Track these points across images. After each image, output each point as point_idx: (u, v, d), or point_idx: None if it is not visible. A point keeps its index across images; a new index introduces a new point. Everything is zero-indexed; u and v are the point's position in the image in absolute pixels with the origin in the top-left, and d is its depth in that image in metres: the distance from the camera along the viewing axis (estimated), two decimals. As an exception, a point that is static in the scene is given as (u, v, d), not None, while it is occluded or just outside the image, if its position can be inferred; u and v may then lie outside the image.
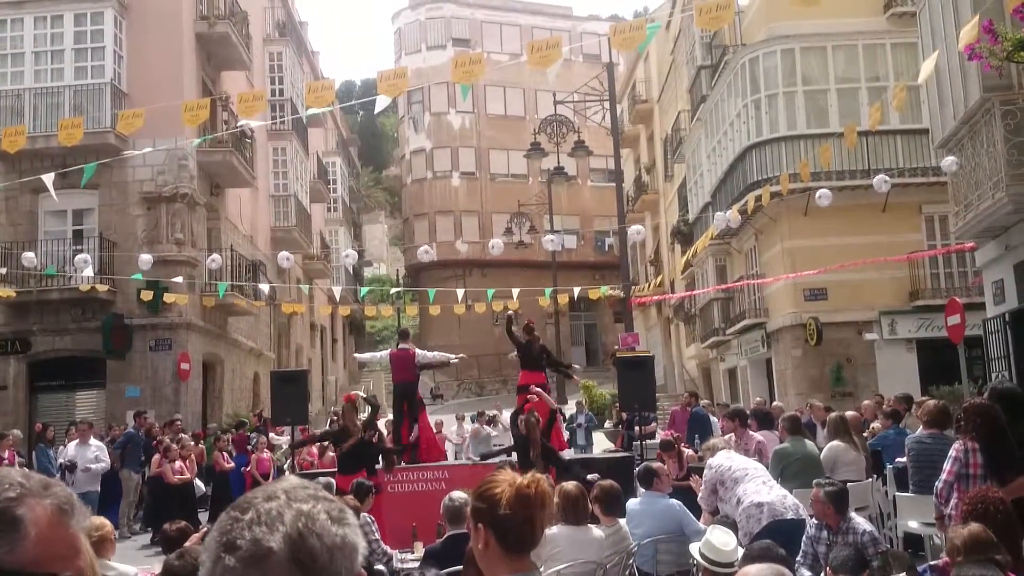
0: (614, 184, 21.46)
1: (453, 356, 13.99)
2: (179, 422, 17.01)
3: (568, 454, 12.82)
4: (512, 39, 43.21)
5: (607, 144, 23.16)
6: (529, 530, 2.28)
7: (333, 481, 8.43)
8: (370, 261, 56.28)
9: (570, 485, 6.02)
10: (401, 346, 12.76)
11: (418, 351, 12.91)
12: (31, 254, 15.95)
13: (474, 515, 2.33)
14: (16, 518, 1.20)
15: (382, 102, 9.71)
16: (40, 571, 1.21)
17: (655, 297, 29.56)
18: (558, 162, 22.15)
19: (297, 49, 30.88)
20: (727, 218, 15.83)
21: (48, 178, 11.68)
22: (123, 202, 20.26)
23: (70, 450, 13.86)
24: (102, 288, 18.87)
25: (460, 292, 20.21)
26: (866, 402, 13.49)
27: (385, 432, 12.90)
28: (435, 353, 13.51)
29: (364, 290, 27.11)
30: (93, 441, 14.07)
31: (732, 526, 5.80)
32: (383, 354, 13.88)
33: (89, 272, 17.11)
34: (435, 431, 16.41)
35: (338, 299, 24.10)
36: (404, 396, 12.42)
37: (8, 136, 10.00)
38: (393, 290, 28.64)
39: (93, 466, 13.55)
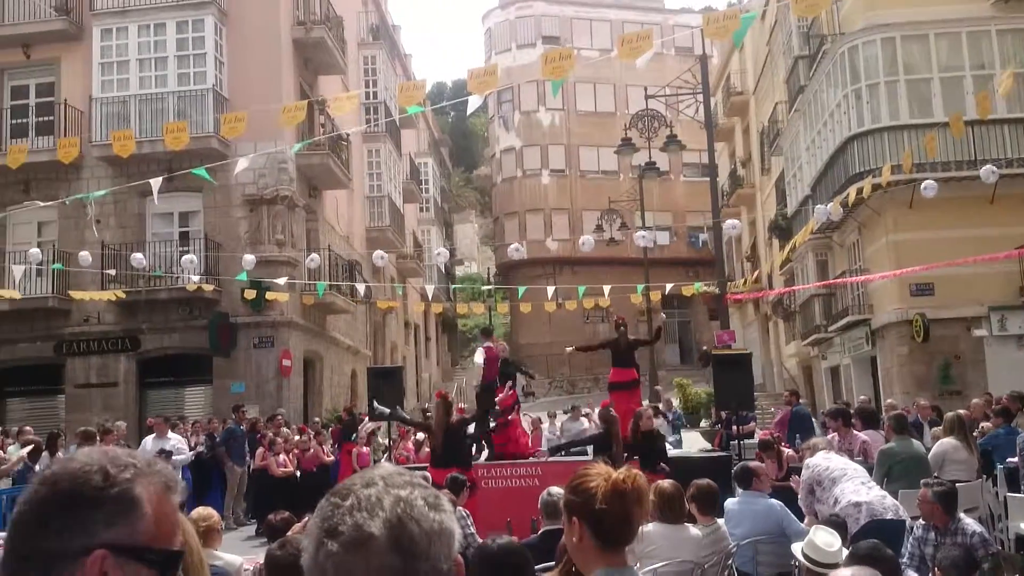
0: (708, 178, 21.09)
1: (532, 375, 14.12)
2: (281, 417, 17.46)
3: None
4: (602, 35, 42.98)
5: (701, 138, 22.76)
6: (625, 526, 2.26)
7: (428, 474, 8.53)
8: (461, 260, 56.79)
9: (666, 483, 5.95)
10: (485, 344, 12.96)
11: (503, 352, 13.15)
12: (140, 255, 16.62)
13: (568, 508, 2.32)
14: (135, 498, 1.25)
15: (473, 102, 9.76)
16: (156, 547, 1.26)
17: (752, 294, 28.97)
18: (649, 157, 21.86)
19: (390, 52, 31.38)
20: (828, 211, 15.40)
21: (155, 182, 12.12)
22: (226, 204, 20.93)
23: (147, 445, 13.84)
24: (208, 288, 19.53)
25: (550, 289, 20.23)
26: (975, 401, 12.94)
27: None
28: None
29: (455, 287, 27.37)
30: (172, 435, 14.17)
31: (838, 526, 5.63)
32: (479, 361, 13.98)
33: (196, 273, 17.76)
34: (532, 428, 16.56)
35: (430, 297, 24.40)
36: (489, 392, 12.62)
37: (118, 141, 10.44)
38: (484, 288, 28.82)
39: (176, 457, 13.80)
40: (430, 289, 23.37)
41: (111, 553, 1.22)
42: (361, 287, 22.69)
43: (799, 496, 7.32)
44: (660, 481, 6.11)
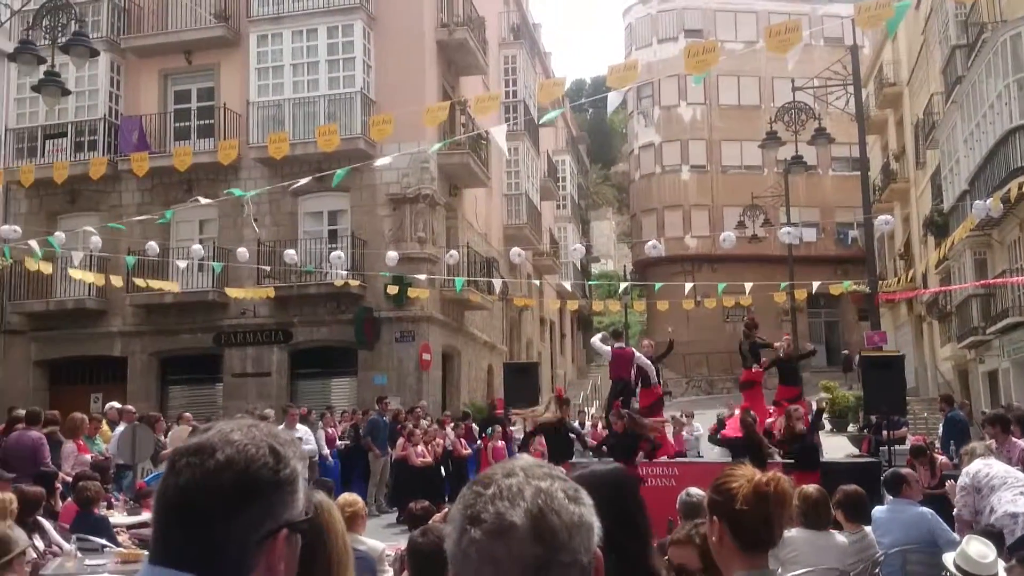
0: (859, 173, 20.27)
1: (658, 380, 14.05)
2: (421, 409, 17.91)
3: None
4: (747, 27, 41.90)
5: (851, 131, 21.89)
6: (766, 528, 2.24)
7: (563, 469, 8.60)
8: (598, 257, 56.59)
9: (811, 488, 5.78)
10: (617, 345, 13.08)
11: (636, 353, 13.15)
12: (292, 252, 17.41)
13: (710, 507, 2.32)
14: (298, 474, 1.33)
15: (613, 98, 9.71)
16: (303, 520, 1.34)
17: (905, 293, 27.63)
18: (796, 151, 21.15)
19: (530, 51, 31.62)
20: (987, 207, 14.53)
21: (303, 181, 12.65)
22: (372, 203, 21.63)
23: None
24: (354, 283, 20.25)
25: (688, 287, 19.90)
26: None
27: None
28: (647, 362, 13.51)
29: (591, 284, 27.33)
30: (300, 426, 14.60)
31: (994, 537, 5.33)
32: (607, 349, 14.01)
33: (343, 269, 18.46)
34: (675, 428, 16.49)
35: (569, 291, 24.45)
36: (619, 393, 12.69)
37: (273, 143, 10.97)
38: (621, 285, 28.65)
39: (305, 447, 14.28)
40: (566, 286, 23.41)
41: (289, 530, 1.30)
42: (498, 283, 23.02)
43: (956, 504, 6.97)
44: (805, 486, 5.94)
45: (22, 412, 12.01)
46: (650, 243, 17.79)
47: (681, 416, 18.58)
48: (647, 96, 44.66)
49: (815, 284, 19.57)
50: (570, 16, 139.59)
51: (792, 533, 5.57)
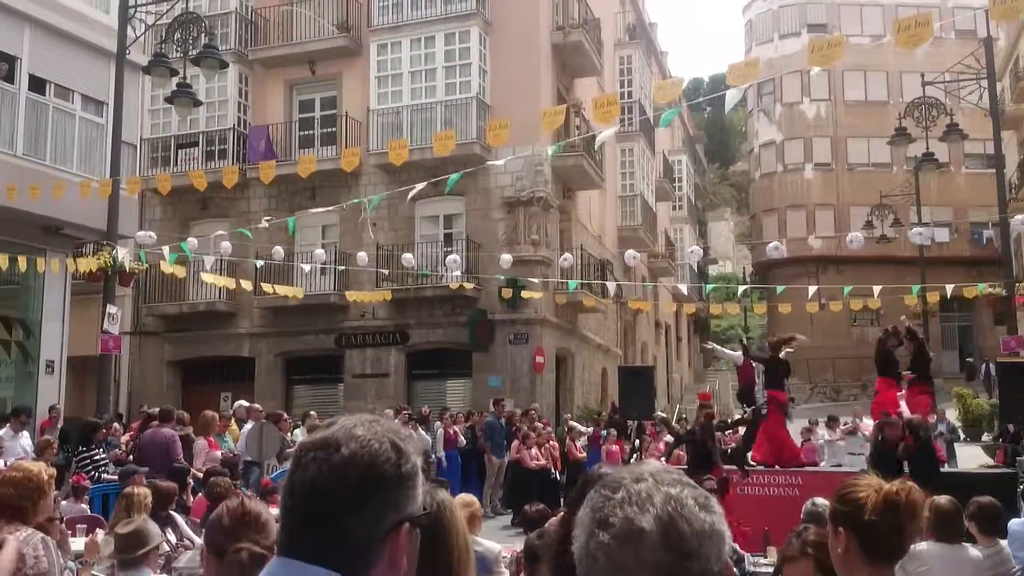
0: (993, 170, 19.23)
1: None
2: (535, 411, 17.95)
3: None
4: (874, 20, 40.32)
5: (985, 127, 20.78)
6: (897, 539, 2.18)
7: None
8: (715, 259, 55.59)
9: (943, 499, 5.49)
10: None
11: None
12: (409, 255, 17.75)
13: (834, 518, 2.25)
14: (419, 469, 1.37)
15: (732, 97, 9.49)
16: (424, 514, 1.39)
17: (1045, 296, 26.01)
18: (927, 148, 20.21)
19: (646, 51, 31.32)
20: None
21: (418, 186, 12.84)
22: (486, 207, 21.84)
23: None
24: (469, 286, 20.49)
25: (812, 289, 19.29)
26: None
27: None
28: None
29: (709, 287, 26.82)
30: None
31: None
32: (738, 355, 13.65)
33: (458, 272, 18.70)
34: (803, 437, 16.11)
35: (685, 294, 24.06)
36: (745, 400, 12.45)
37: (393, 150, 11.21)
38: (740, 288, 28.01)
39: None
40: (682, 288, 23.05)
41: (411, 524, 1.34)
42: (612, 286, 22.85)
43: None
44: (936, 497, 5.66)
45: (156, 410, 12.64)
46: (772, 244, 17.34)
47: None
48: (768, 93, 43.58)
49: (948, 287, 18.64)
50: (687, 14, 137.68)
51: (923, 546, 5.31)
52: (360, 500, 1.29)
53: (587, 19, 23.89)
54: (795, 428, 18.71)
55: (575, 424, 18.82)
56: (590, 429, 18.49)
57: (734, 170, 62.92)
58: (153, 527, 5.29)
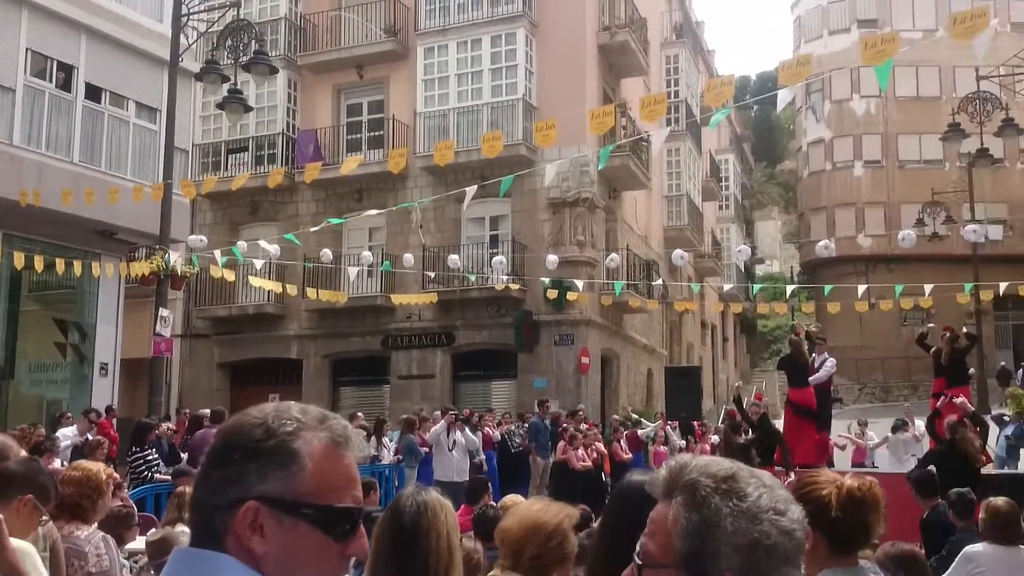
0: (1051, 166, 18.77)
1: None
2: (582, 412, 17.90)
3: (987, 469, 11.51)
4: (926, 14, 39.58)
5: (1042, 121, 20.31)
6: (863, 532, 2.31)
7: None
8: (762, 258, 54.97)
9: (1000, 500, 5.39)
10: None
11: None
12: (455, 257, 17.83)
13: None
14: (293, 451, 1.27)
15: (783, 96, 9.35)
16: (316, 502, 1.26)
17: (1104, 294, 25.31)
18: (981, 144, 19.81)
19: (693, 50, 31.10)
20: None
21: (470, 191, 12.90)
22: (532, 208, 21.85)
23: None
24: (514, 287, 20.52)
25: (861, 288, 18.98)
26: None
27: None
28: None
29: (756, 287, 26.55)
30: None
31: None
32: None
33: (504, 274, 18.73)
34: (855, 437, 15.96)
35: (729, 297, 23.83)
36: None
37: (438, 151, 11.26)
38: (789, 288, 27.69)
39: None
40: (728, 288, 22.83)
41: (264, 505, 1.24)
42: (658, 286, 22.71)
43: None
44: (994, 499, 5.55)
45: (207, 411, 12.84)
46: (821, 243, 17.08)
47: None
48: (816, 90, 42.97)
49: (1003, 285, 18.21)
50: (734, 12, 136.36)
51: (978, 548, 5.23)
52: (211, 469, 1.28)
53: (633, 19, 23.79)
54: (838, 428, 18.40)
55: (635, 416, 18.88)
56: (656, 424, 18.46)
57: (781, 169, 62.15)
58: (182, 532, 5.35)
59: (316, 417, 1.32)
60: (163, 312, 13.91)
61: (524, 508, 2.96)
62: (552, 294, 19.31)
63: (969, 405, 9.67)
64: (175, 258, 14.28)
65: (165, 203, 14.02)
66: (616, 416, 20.42)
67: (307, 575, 1.27)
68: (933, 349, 12.40)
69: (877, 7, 41.68)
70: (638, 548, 1.32)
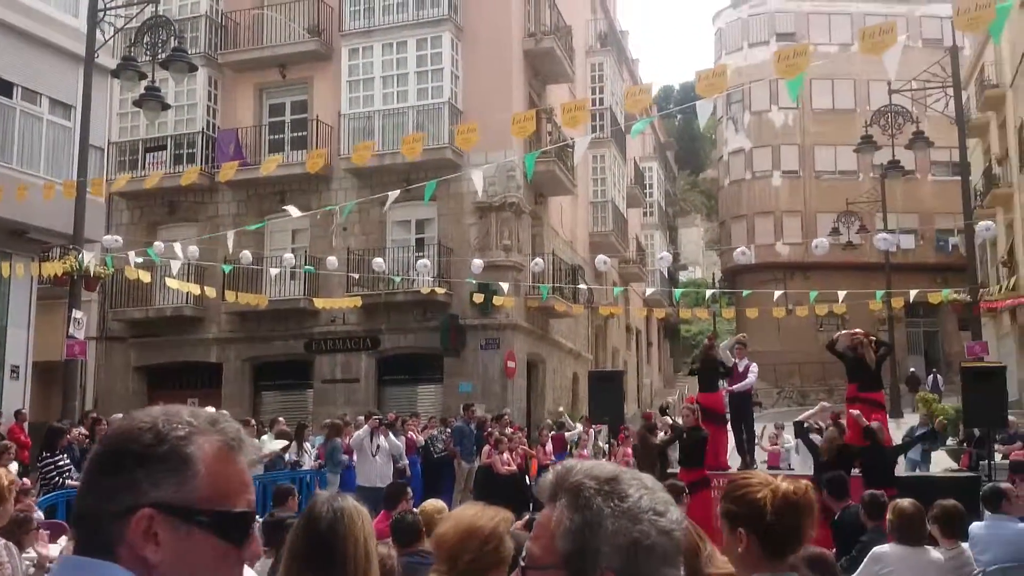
0: (959, 178, 19.54)
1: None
2: (507, 416, 17.95)
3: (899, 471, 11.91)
4: (842, 29, 40.90)
5: (951, 135, 21.12)
6: (796, 537, 2.25)
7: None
8: (685, 265, 55.98)
9: (906, 502, 5.58)
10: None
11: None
12: (380, 260, 17.70)
13: (732, 519, 2.27)
14: (186, 456, 1.23)
15: (703, 107, 9.54)
16: (211, 508, 1.23)
17: (1008, 301, 26.45)
18: (893, 156, 20.50)
19: (617, 58, 31.48)
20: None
21: (392, 195, 12.83)
22: (459, 212, 21.83)
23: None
24: (440, 291, 20.46)
25: (779, 294, 19.48)
26: None
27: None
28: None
29: (678, 292, 27.01)
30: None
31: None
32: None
33: (429, 277, 18.66)
34: (770, 442, 16.28)
35: (653, 302, 24.16)
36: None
37: (358, 152, 11.20)
38: (708, 292, 28.24)
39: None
40: (650, 292, 23.17)
41: (158, 512, 1.20)
42: (583, 290, 22.91)
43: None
44: (899, 500, 5.74)
45: (120, 416, 12.44)
46: (739, 250, 17.49)
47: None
48: (737, 101, 44.00)
49: (912, 292, 18.90)
50: (658, 22, 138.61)
51: (885, 549, 5.39)
52: (99, 476, 1.23)
53: (559, 26, 23.99)
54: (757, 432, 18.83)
55: (567, 420, 19.00)
56: (579, 427, 18.63)
57: (704, 177, 63.38)
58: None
59: (207, 420, 1.29)
60: (76, 314, 13.51)
61: (459, 513, 2.95)
62: (478, 298, 19.33)
63: (863, 419, 9.98)
64: (89, 258, 13.88)
65: (79, 202, 13.62)
66: (549, 420, 20.50)
67: None
68: (853, 355, 12.68)
69: (795, 21, 42.88)
70: (523, 551, 1.33)
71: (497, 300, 19.06)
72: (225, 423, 1.30)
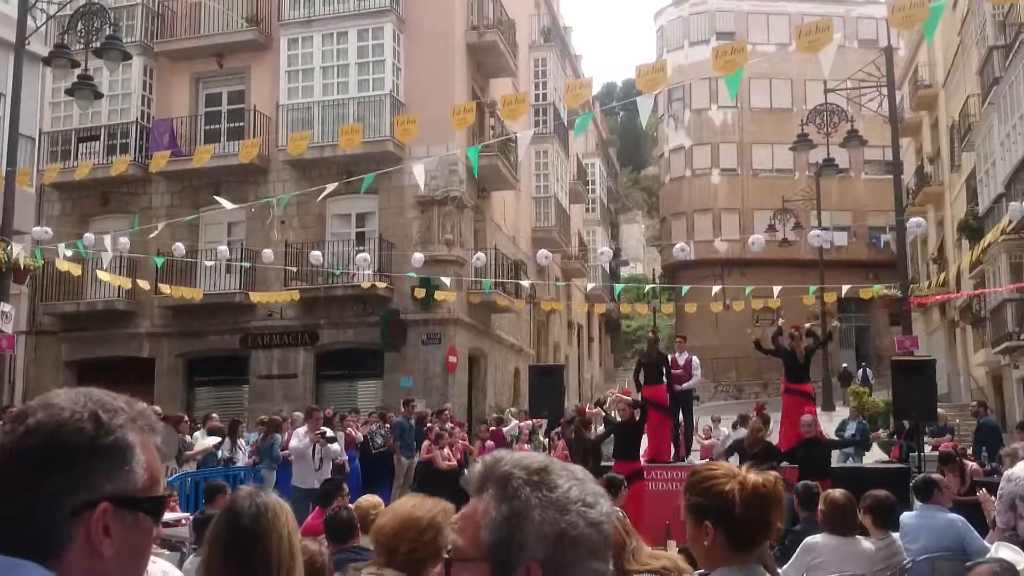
0: (891, 176, 20.00)
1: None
2: (448, 411, 17.88)
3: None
4: (780, 29, 41.60)
5: (884, 134, 21.62)
6: (764, 530, 2.20)
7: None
8: (627, 260, 56.43)
9: (837, 493, 5.67)
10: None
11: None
12: (318, 253, 17.47)
13: (699, 512, 2.21)
14: (130, 445, 1.21)
15: (643, 103, 9.59)
16: (152, 495, 1.23)
17: (937, 297, 27.22)
18: (828, 154, 20.88)
19: (560, 54, 31.54)
20: (1023, 210, 14.25)
21: (330, 187, 12.69)
22: (400, 206, 21.66)
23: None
24: (381, 285, 20.29)
25: (716, 289, 19.74)
26: None
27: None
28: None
29: (619, 288, 27.21)
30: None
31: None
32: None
33: (369, 271, 18.46)
34: (704, 435, 16.48)
35: (594, 297, 24.31)
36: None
37: (294, 142, 11.03)
38: (648, 287, 28.51)
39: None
40: (592, 287, 23.30)
41: (111, 505, 1.18)
42: (525, 286, 22.94)
43: (996, 510, 6.80)
44: (831, 491, 5.84)
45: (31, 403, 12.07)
46: (678, 246, 17.66)
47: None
48: (678, 99, 44.48)
49: (845, 288, 19.31)
50: (601, 19, 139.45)
51: (817, 539, 5.47)
52: (38, 474, 1.15)
53: (502, 20, 23.94)
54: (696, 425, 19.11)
55: (510, 416, 18.98)
56: (523, 423, 18.60)
57: (645, 174, 63.96)
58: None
59: (130, 404, 1.27)
60: (4, 307, 13.11)
61: (398, 505, 2.92)
62: (420, 293, 19.21)
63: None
64: (18, 250, 13.48)
65: (8, 192, 13.21)
66: (495, 414, 20.46)
67: (140, 566, 1.25)
68: (780, 348, 12.89)
69: (735, 20, 43.47)
70: (449, 544, 1.30)
71: (439, 295, 18.96)
72: (141, 406, 1.29)
